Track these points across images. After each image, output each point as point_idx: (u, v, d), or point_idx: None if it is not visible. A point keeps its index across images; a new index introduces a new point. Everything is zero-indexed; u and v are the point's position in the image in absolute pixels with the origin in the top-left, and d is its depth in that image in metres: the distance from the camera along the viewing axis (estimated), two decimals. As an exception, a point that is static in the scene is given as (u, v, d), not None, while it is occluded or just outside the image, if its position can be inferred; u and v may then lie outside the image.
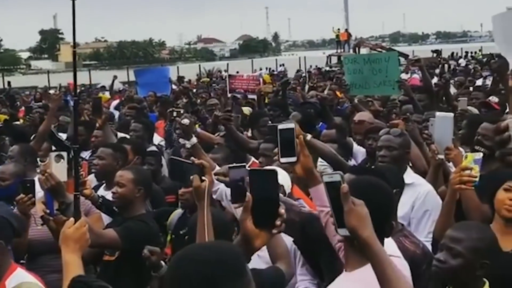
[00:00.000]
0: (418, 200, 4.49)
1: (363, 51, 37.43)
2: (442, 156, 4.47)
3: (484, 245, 3.04)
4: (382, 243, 2.53)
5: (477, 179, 3.65)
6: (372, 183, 2.73)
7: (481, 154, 3.72)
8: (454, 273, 3.01)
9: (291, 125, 3.15)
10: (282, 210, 2.19)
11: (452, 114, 4.63)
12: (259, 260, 3.41)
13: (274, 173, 2.25)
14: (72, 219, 2.90)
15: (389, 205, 2.70)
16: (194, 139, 4.71)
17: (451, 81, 12.85)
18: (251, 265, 2.01)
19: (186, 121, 4.96)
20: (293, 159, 3.07)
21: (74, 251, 2.80)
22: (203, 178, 3.32)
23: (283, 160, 3.10)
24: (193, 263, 1.79)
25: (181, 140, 4.91)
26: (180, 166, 2.75)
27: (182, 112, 7.27)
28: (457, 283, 3.04)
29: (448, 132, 4.45)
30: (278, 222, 2.18)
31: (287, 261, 3.28)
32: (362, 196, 2.46)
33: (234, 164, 2.97)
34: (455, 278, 3.03)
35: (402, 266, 2.70)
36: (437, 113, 4.76)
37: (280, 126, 3.12)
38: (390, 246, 2.99)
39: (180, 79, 18.86)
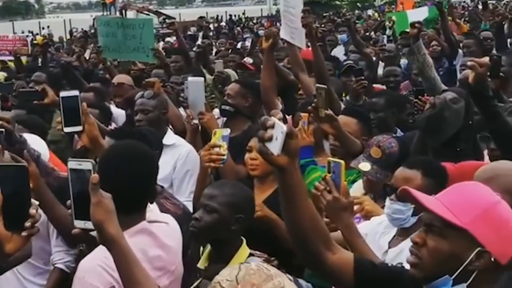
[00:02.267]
0: (180, 160, 4.51)
1: (130, 14, 36.87)
2: (196, 121, 4.52)
3: (237, 200, 3.11)
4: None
5: (225, 157, 3.69)
6: (135, 148, 2.65)
7: (229, 130, 3.76)
8: (210, 229, 3.04)
9: (75, 92, 3.01)
10: (33, 211, 1.95)
11: (202, 79, 4.69)
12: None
13: (23, 168, 2.01)
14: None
15: (153, 168, 2.64)
16: None
17: (216, 43, 13.15)
18: None
19: None
20: (79, 128, 2.97)
21: None
22: None
23: (67, 129, 2.98)
24: None
25: None
26: None
27: None
28: (215, 240, 3.08)
29: (200, 97, 4.50)
30: (28, 224, 1.93)
31: None
32: (123, 162, 2.42)
33: None
34: (211, 234, 3.06)
35: (172, 231, 2.70)
36: (189, 78, 4.80)
37: (63, 94, 2.98)
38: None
39: None
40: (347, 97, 5.85)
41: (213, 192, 3.12)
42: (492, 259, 1.88)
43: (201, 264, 3.13)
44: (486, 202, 1.93)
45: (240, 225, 3.07)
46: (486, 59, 3.77)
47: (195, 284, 1.73)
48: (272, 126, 1.92)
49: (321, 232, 2.14)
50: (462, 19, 15.62)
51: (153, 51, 7.48)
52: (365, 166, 3.48)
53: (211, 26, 25.90)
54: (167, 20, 34.67)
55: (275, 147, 1.92)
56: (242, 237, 3.11)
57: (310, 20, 5.31)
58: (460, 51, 8.00)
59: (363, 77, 5.62)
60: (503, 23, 9.53)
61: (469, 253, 1.88)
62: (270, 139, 1.92)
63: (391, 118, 4.89)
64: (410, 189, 2.06)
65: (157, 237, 2.54)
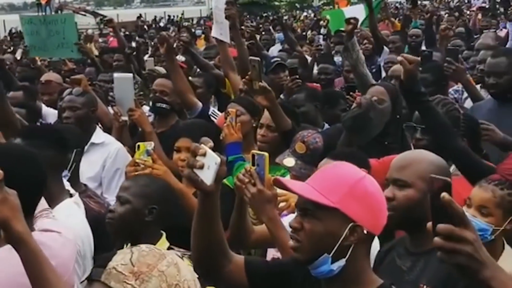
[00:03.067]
0: (109, 159, 4.45)
1: (66, 14, 36.16)
2: (125, 118, 4.44)
3: (150, 191, 3.09)
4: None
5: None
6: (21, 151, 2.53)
7: (153, 144, 3.65)
8: (123, 220, 3.02)
9: None
10: None
11: (130, 75, 4.64)
12: None
13: None
14: None
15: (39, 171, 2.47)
16: None
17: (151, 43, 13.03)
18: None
19: None
20: None
21: None
22: None
23: None
24: None
25: None
26: None
27: None
28: (131, 233, 3.04)
29: (128, 93, 4.44)
30: None
31: None
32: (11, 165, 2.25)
33: None
34: (125, 225, 3.03)
35: (64, 241, 2.55)
36: (115, 74, 4.73)
37: None
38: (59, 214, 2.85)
39: None
40: (282, 96, 5.86)
41: (127, 184, 3.12)
42: (365, 232, 1.99)
43: None
44: (352, 179, 2.03)
45: (155, 216, 3.04)
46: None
47: (86, 275, 1.68)
48: (204, 155, 1.98)
49: (224, 249, 2.21)
50: (397, 19, 15.90)
51: (77, 45, 7.32)
52: (289, 161, 3.49)
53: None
54: (103, 19, 34.33)
55: (207, 177, 1.98)
56: (163, 232, 3.08)
57: (233, 12, 5.30)
58: (386, 48, 8.12)
59: (297, 76, 5.64)
60: (433, 19, 9.76)
61: (343, 229, 1.97)
62: (201, 167, 1.98)
63: (314, 112, 4.92)
64: (280, 178, 2.18)
65: (49, 248, 2.40)
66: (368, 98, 3.97)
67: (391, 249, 2.67)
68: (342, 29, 9.26)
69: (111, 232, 3.09)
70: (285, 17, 23.14)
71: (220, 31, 5.57)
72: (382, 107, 3.96)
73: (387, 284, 2.10)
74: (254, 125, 4.26)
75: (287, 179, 2.20)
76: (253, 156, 2.77)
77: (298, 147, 3.54)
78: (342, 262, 1.99)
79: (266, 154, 2.72)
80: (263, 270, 2.23)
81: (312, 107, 4.94)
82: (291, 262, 2.15)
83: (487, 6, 15.00)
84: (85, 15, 33.81)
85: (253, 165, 2.76)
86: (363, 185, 2.02)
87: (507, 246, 2.89)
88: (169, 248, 2.99)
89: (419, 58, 3.58)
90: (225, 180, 3.77)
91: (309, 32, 14.12)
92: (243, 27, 8.74)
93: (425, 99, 3.42)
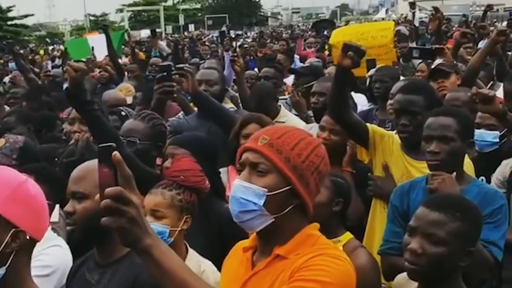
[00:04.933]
0: None
1: None
2: None
3: None
4: None
5: None
6: None
7: None
8: None
9: None
10: None
11: None
12: None
13: None
14: None
15: None
16: None
17: None
18: None
19: None
20: None
21: None
22: None
23: None
24: None
25: None
26: None
27: None
28: None
29: None
30: None
31: None
32: None
33: None
34: None
35: None
36: None
37: None
38: None
39: None
40: None
41: None
42: (28, 237, 1.91)
43: None
44: (13, 183, 1.93)
45: None
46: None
47: None
48: None
49: None
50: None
51: None
52: None
53: None
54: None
55: None
56: None
57: None
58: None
59: None
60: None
61: (5, 235, 1.87)
62: None
63: (28, 134, 4.76)
64: None
65: None
66: (85, 138, 3.91)
67: (83, 263, 2.59)
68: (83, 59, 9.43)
69: None
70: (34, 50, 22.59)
71: None
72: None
73: None
74: None
75: None
76: None
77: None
78: (2, 271, 1.88)
79: None
80: None
81: (25, 129, 4.85)
82: None
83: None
84: None
85: None
86: (25, 188, 1.94)
87: (191, 249, 2.97)
88: None
89: (83, 67, 3.51)
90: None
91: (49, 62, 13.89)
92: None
93: (91, 107, 3.38)
